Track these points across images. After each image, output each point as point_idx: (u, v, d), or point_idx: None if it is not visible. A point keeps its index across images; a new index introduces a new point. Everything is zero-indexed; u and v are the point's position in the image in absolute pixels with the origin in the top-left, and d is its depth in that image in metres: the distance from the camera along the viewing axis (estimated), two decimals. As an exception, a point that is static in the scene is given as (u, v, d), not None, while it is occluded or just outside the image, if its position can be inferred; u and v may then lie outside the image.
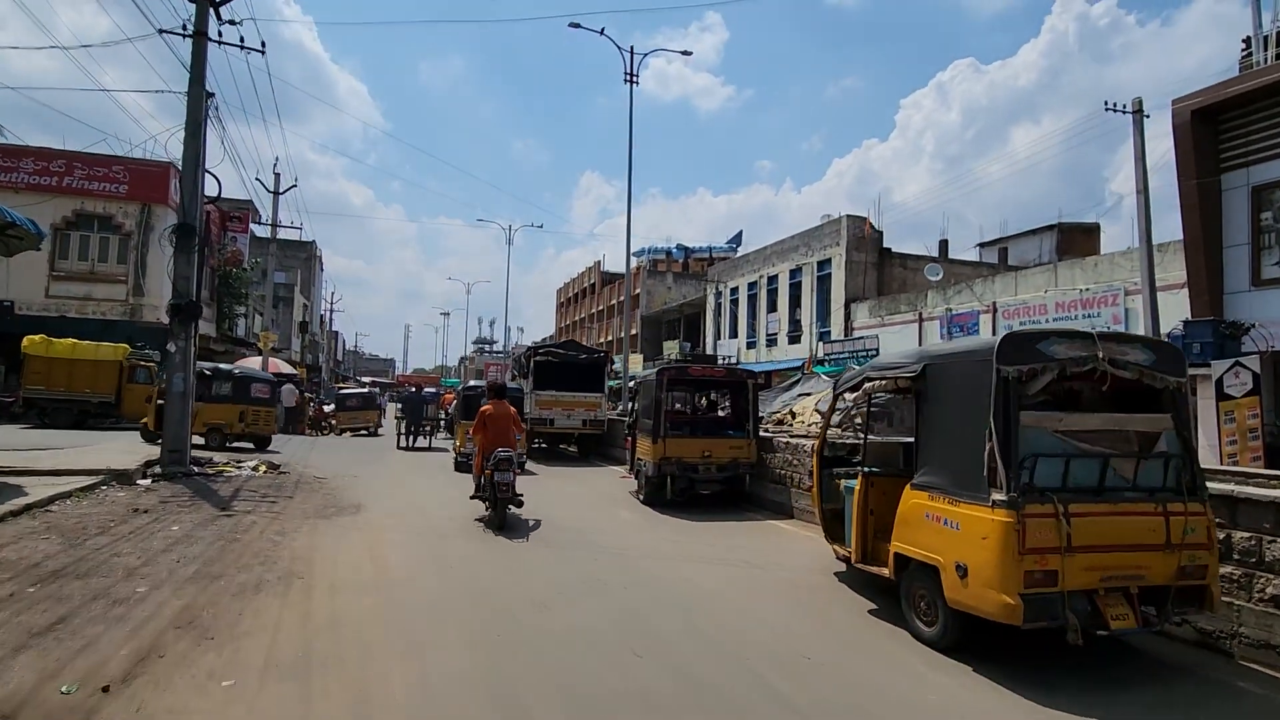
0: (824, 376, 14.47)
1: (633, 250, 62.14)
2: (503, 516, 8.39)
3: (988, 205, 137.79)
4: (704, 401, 12.20)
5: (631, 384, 11.37)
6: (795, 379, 14.48)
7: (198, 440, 15.86)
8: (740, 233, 62.64)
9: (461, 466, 14.39)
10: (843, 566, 7.06)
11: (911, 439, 5.28)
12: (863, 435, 5.96)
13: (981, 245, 35.88)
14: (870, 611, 5.64)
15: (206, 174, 12.86)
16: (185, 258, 11.81)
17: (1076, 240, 32.53)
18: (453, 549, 7.44)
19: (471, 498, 9.23)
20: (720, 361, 11.04)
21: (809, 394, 13.21)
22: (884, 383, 5.59)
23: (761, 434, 10.64)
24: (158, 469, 11.25)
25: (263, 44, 13.13)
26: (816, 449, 6.84)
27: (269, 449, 16.83)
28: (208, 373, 16.49)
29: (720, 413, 11.84)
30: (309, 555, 6.81)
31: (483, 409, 9.13)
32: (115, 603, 5.02)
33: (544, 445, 18.84)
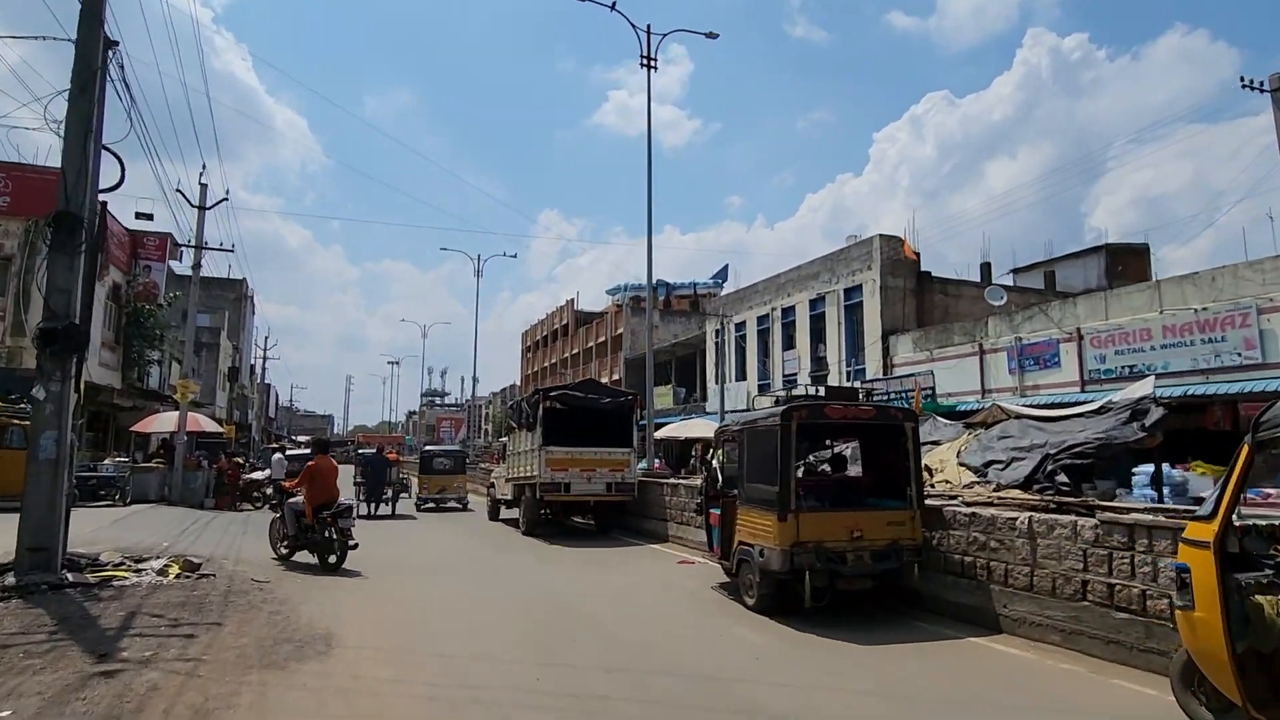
0: (939, 419, 11.76)
1: (608, 288, 59.88)
2: (343, 558, 9.74)
3: (967, 242, 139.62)
4: (829, 455, 9.34)
5: (728, 429, 8.60)
6: (902, 423, 11.72)
7: None
8: (726, 267, 60.91)
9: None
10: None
11: None
12: None
13: (1016, 271, 34.24)
14: None
15: (104, 150, 9.85)
16: (65, 261, 8.65)
17: (1127, 262, 31.07)
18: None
19: (286, 549, 10.30)
20: (865, 399, 8.22)
21: (935, 442, 10.47)
22: None
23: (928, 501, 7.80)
24: (10, 578, 7.86)
25: (187, -26, 10.24)
26: (1213, 541, 4.04)
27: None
28: None
29: (853, 470, 8.95)
30: (260, 779, 3.72)
31: (309, 464, 10.20)
32: None
33: (549, 515, 15.63)
